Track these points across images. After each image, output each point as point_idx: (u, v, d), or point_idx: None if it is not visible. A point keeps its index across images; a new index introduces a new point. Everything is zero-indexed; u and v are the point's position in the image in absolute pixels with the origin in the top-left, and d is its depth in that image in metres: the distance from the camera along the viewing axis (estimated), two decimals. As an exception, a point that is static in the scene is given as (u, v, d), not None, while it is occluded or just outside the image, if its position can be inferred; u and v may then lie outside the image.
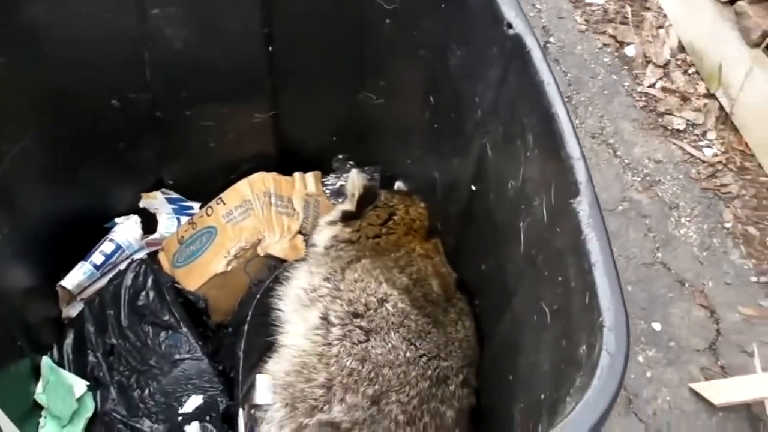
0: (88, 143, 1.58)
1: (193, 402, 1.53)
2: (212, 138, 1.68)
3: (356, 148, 1.83)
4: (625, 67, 2.73)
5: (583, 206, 1.01)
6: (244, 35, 1.51)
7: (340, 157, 1.86)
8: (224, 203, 1.71)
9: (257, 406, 1.51)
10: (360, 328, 1.44)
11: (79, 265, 1.71)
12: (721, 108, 2.56)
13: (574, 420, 0.84)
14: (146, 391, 1.54)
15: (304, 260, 1.65)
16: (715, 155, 2.46)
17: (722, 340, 2.04)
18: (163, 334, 1.58)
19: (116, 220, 1.78)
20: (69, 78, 1.45)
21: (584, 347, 0.95)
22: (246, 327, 1.55)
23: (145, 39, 1.43)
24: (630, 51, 2.79)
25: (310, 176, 1.80)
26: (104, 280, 1.74)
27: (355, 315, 1.46)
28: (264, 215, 1.69)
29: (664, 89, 2.66)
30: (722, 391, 1.91)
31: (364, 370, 1.40)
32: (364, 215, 1.66)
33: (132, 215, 1.78)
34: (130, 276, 1.64)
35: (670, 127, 2.55)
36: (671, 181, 2.40)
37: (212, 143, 1.69)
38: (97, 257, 1.73)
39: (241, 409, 1.49)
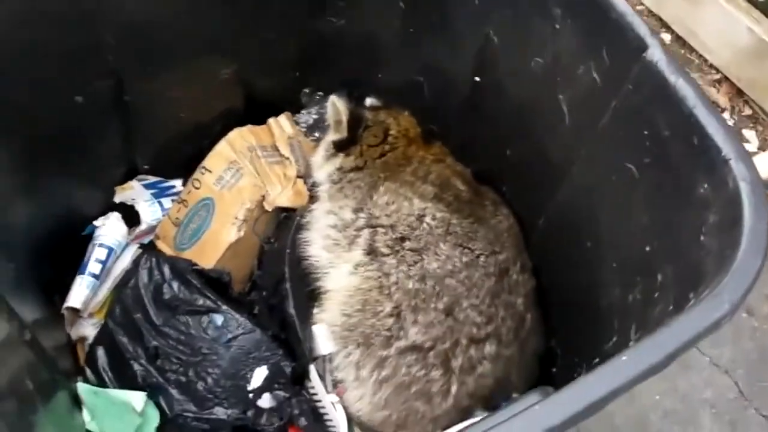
0: (54, 150, 1.44)
1: (259, 375, 1.49)
2: (181, 107, 1.57)
3: (320, 77, 1.76)
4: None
5: (658, 56, 1.02)
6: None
7: (306, 90, 1.78)
8: (210, 171, 1.62)
9: (324, 357, 1.50)
10: (412, 250, 1.44)
11: (78, 280, 1.59)
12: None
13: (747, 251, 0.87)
14: (209, 380, 1.49)
15: (316, 201, 1.62)
16: None
17: None
18: (204, 318, 1.51)
19: (95, 223, 1.65)
20: (24, 87, 1.32)
21: (705, 186, 0.98)
22: (288, 285, 1.51)
23: (103, 19, 1.30)
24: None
25: (283, 119, 1.73)
26: (105, 289, 1.65)
27: (402, 239, 1.45)
28: (257, 170, 1.62)
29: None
30: None
31: (427, 287, 1.41)
32: (360, 138, 1.62)
33: (110, 213, 1.66)
34: (144, 273, 1.54)
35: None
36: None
37: (182, 113, 1.58)
38: (94, 267, 1.61)
39: (312, 366, 1.47)
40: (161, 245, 1.68)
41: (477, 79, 1.42)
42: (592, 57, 1.13)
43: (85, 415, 1.48)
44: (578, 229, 1.32)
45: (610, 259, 1.24)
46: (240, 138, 1.64)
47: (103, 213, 1.66)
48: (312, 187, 1.67)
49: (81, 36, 1.31)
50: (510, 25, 1.29)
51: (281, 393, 1.50)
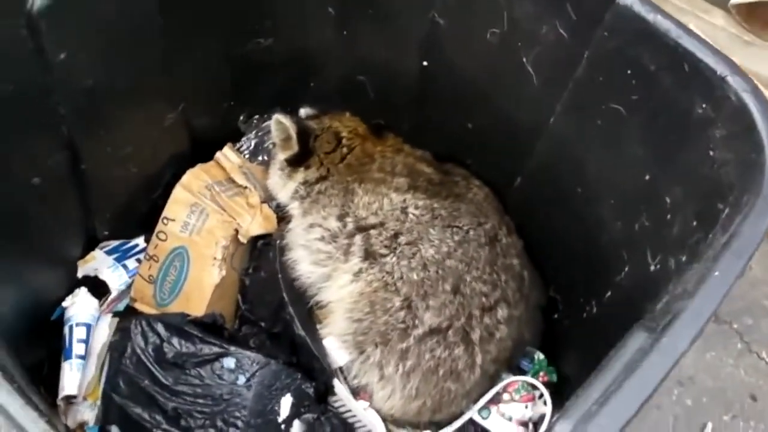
0: (11, 237, 1.36)
1: (285, 404, 1.48)
2: (132, 163, 1.51)
3: (254, 101, 1.74)
4: None
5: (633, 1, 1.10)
6: (146, 42, 1.37)
7: (242, 118, 1.76)
8: (173, 219, 1.58)
9: (342, 369, 1.52)
10: (408, 244, 1.47)
11: (67, 366, 1.51)
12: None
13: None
14: (239, 424, 1.46)
15: (289, 221, 1.61)
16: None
17: None
18: (216, 365, 1.48)
19: (64, 304, 1.57)
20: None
21: (703, 106, 1.08)
22: (290, 308, 1.50)
23: (54, 91, 1.24)
24: None
25: (227, 150, 1.69)
26: (91, 367, 1.58)
27: (396, 235, 1.48)
28: (221, 206, 1.59)
29: None
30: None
31: (431, 273, 1.45)
32: (314, 149, 1.62)
33: (77, 290, 1.58)
34: (138, 338, 1.48)
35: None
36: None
37: (133, 168, 1.52)
38: (78, 348, 1.53)
39: (336, 380, 1.48)
40: (141, 307, 1.62)
41: (425, 63, 1.46)
42: (555, 15, 1.19)
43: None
44: (564, 180, 1.40)
45: (605, 198, 1.32)
46: (194, 179, 1.60)
47: (70, 291, 1.58)
48: (278, 210, 1.66)
49: (37, 111, 1.25)
50: (456, 3, 1.33)
51: (310, 415, 1.49)
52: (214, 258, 1.56)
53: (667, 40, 1.08)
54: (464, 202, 1.54)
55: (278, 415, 1.48)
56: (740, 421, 2.08)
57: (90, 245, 1.60)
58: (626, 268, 1.31)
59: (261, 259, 1.64)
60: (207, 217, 1.58)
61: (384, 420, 1.49)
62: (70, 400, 1.54)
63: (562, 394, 1.49)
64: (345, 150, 1.61)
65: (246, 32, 1.57)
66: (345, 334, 1.49)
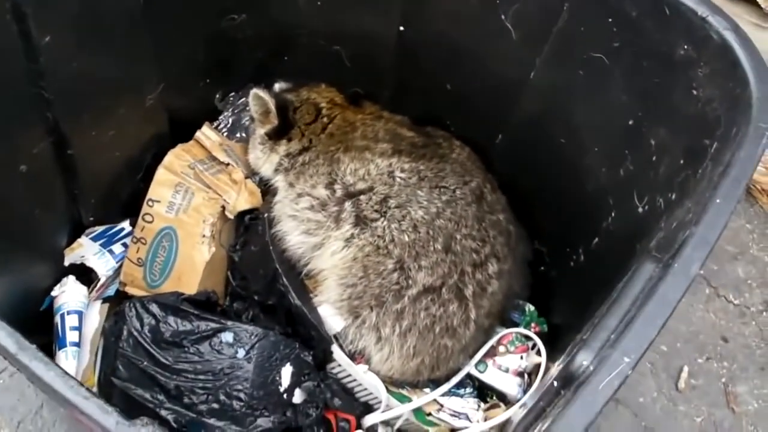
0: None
1: (286, 374, 1.49)
2: (116, 146, 1.51)
3: (230, 78, 1.74)
4: None
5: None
6: (127, 23, 1.36)
7: (218, 96, 1.76)
8: (158, 201, 1.57)
9: (337, 334, 1.54)
10: (397, 207, 1.49)
11: (62, 355, 1.50)
12: None
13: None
14: (242, 396, 1.47)
15: (274, 194, 1.62)
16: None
17: None
18: (214, 341, 1.48)
19: (53, 294, 1.56)
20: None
21: (685, 47, 1.12)
22: (284, 280, 1.51)
23: (40, 75, 1.23)
24: None
25: (206, 129, 1.69)
26: (86, 353, 1.57)
27: (386, 199, 1.50)
28: (206, 184, 1.59)
29: None
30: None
31: (421, 234, 1.48)
32: (294, 121, 1.64)
33: (65, 279, 1.57)
34: (134, 321, 1.48)
35: None
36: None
37: (117, 152, 1.52)
38: (72, 336, 1.52)
39: (334, 346, 1.50)
40: (132, 290, 1.62)
41: (402, 28, 1.48)
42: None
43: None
44: (548, 132, 1.43)
45: (590, 147, 1.36)
46: (176, 159, 1.60)
47: (57, 281, 1.57)
48: (261, 184, 1.67)
49: (24, 97, 1.24)
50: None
51: (310, 383, 1.51)
52: (203, 236, 1.56)
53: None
54: (449, 163, 1.56)
55: (280, 385, 1.49)
56: (714, 362, 2.16)
57: (76, 233, 1.59)
58: (613, 213, 1.35)
59: (249, 234, 1.65)
60: (193, 196, 1.58)
61: (383, 382, 1.52)
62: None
63: (553, 343, 1.53)
64: (326, 120, 1.63)
65: (220, 9, 1.57)
66: (339, 301, 1.51)
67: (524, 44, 1.35)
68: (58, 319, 1.55)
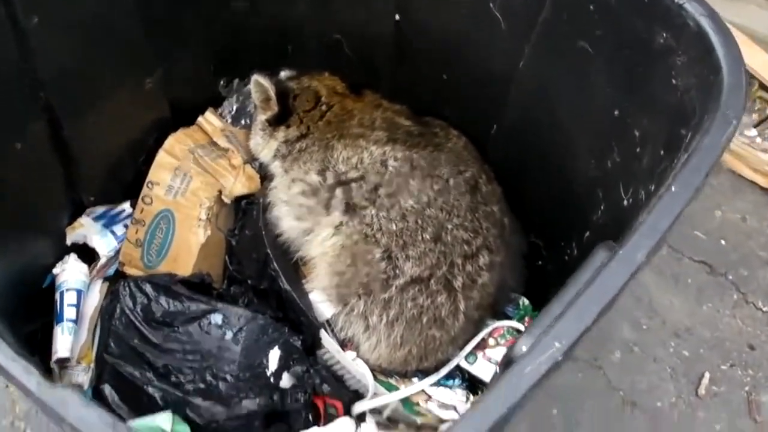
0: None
1: (273, 357, 1.50)
2: (115, 129, 1.54)
3: (234, 65, 1.75)
4: None
5: None
6: (118, 6, 1.39)
7: (222, 82, 1.78)
8: (157, 183, 1.60)
9: (329, 321, 1.54)
10: (387, 196, 1.48)
11: (58, 330, 1.54)
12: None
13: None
14: (228, 378, 1.49)
15: (272, 180, 1.64)
16: None
17: None
18: (204, 322, 1.51)
19: (54, 271, 1.60)
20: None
21: (664, 35, 1.09)
22: (274, 264, 1.53)
23: (30, 57, 1.26)
24: None
25: (209, 115, 1.72)
26: (84, 331, 1.61)
27: (376, 187, 1.49)
28: (205, 168, 1.62)
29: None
30: None
31: (410, 223, 1.46)
32: (293, 108, 1.64)
33: (66, 257, 1.61)
34: (127, 299, 1.51)
35: None
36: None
37: (116, 134, 1.55)
38: (69, 312, 1.56)
39: (322, 332, 1.50)
40: (129, 270, 1.65)
41: (397, 17, 1.48)
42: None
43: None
44: (538, 123, 1.41)
45: (578, 137, 1.33)
46: (177, 143, 1.62)
47: (59, 259, 1.61)
48: (260, 170, 1.69)
49: (13, 78, 1.27)
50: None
51: (298, 368, 1.52)
52: (199, 219, 1.58)
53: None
54: (443, 152, 1.55)
55: (267, 368, 1.50)
56: (738, 370, 2.08)
57: (77, 212, 1.63)
58: (602, 206, 1.32)
59: (246, 218, 1.66)
60: (191, 180, 1.60)
61: (372, 370, 1.51)
62: (63, 363, 1.57)
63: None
64: (324, 108, 1.63)
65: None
66: (329, 287, 1.51)
67: (513, 33, 1.33)
68: (57, 296, 1.59)
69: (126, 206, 1.70)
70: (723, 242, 2.29)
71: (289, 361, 1.51)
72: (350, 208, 1.49)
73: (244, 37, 1.70)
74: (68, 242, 1.63)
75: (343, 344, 1.53)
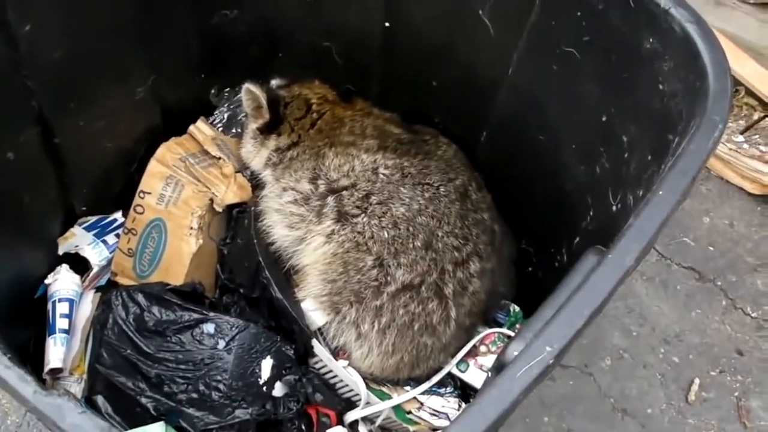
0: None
1: (266, 366, 1.51)
2: (107, 137, 1.55)
3: (224, 74, 1.76)
4: None
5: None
6: (109, 11, 1.39)
7: (213, 91, 1.79)
8: (149, 192, 1.60)
9: (320, 329, 1.54)
10: (378, 204, 1.49)
11: (51, 341, 1.54)
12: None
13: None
14: (221, 387, 1.49)
15: (263, 188, 1.64)
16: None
17: None
18: (196, 331, 1.51)
19: (46, 282, 1.60)
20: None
21: (651, 40, 1.10)
22: (266, 273, 1.53)
23: (21, 64, 1.27)
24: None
25: (200, 123, 1.72)
26: (76, 341, 1.60)
27: (368, 196, 1.50)
28: (196, 177, 1.62)
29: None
30: None
31: (401, 231, 1.47)
32: (284, 116, 1.65)
33: (58, 267, 1.61)
34: (119, 309, 1.51)
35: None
36: None
37: (108, 143, 1.56)
38: (61, 323, 1.56)
39: (314, 341, 1.51)
40: (122, 280, 1.65)
41: (387, 24, 1.49)
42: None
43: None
44: (527, 129, 1.42)
45: (567, 143, 1.34)
46: (168, 152, 1.63)
47: (52, 269, 1.60)
48: (252, 178, 1.69)
49: (5, 85, 1.27)
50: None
51: (291, 377, 1.52)
52: (191, 228, 1.59)
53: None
54: (434, 160, 1.56)
55: (259, 377, 1.50)
56: (727, 375, 2.10)
57: (69, 221, 1.63)
58: (591, 212, 1.33)
59: (237, 227, 1.67)
60: (182, 189, 1.60)
61: (364, 379, 1.51)
62: (56, 374, 1.57)
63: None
64: (315, 116, 1.64)
65: (212, 4, 1.59)
66: (321, 296, 1.51)
67: (501, 39, 1.35)
68: (50, 306, 1.58)
69: (118, 216, 1.70)
70: (711, 248, 2.31)
71: (281, 370, 1.51)
72: (342, 216, 1.50)
73: (234, 46, 1.70)
74: (60, 252, 1.63)
75: (336, 353, 1.54)
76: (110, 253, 1.66)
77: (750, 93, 2.51)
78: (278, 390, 1.51)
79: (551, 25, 1.25)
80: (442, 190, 1.52)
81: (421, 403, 1.54)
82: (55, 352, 1.55)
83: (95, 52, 1.39)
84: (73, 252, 1.65)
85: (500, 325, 1.59)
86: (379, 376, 1.53)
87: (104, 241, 1.66)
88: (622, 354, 2.08)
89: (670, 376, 2.08)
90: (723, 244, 2.32)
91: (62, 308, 1.58)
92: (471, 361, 1.54)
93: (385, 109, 1.67)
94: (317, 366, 1.54)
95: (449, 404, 1.53)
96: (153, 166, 1.62)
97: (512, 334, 1.54)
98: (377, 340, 1.48)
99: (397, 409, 1.53)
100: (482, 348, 1.55)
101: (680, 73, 1.07)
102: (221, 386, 1.50)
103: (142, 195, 1.62)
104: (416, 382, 1.54)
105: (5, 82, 1.28)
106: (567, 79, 1.28)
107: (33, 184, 1.47)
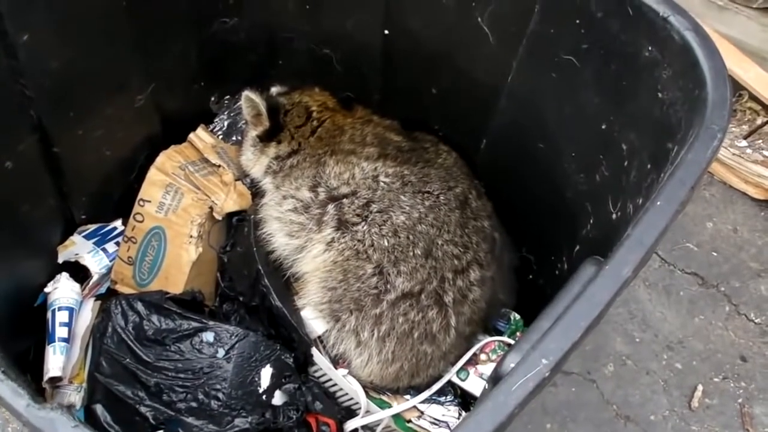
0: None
1: (265, 375, 1.50)
2: (106, 146, 1.54)
3: (224, 81, 1.77)
4: None
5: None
6: (108, 24, 1.39)
7: (213, 98, 1.79)
8: (149, 201, 1.60)
9: (320, 337, 1.53)
10: (379, 212, 1.49)
11: (50, 349, 1.54)
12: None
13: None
14: (220, 396, 1.48)
15: (263, 197, 1.64)
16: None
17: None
18: (195, 340, 1.50)
19: (46, 290, 1.60)
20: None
21: (650, 48, 1.10)
22: (266, 281, 1.52)
23: (20, 73, 1.27)
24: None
25: (200, 131, 1.72)
26: (76, 350, 1.60)
27: (368, 204, 1.50)
28: (196, 185, 1.61)
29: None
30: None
31: (401, 239, 1.47)
32: (284, 123, 1.65)
33: (58, 276, 1.61)
34: (118, 318, 1.51)
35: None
36: None
37: (107, 151, 1.56)
38: (61, 332, 1.55)
39: (314, 350, 1.50)
40: (121, 288, 1.64)
41: (386, 32, 1.49)
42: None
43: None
44: (527, 137, 1.42)
45: (567, 151, 1.34)
46: (168, 160, 1.62)
47: (52, 278, 1.60)
48: (252, 186, 1.69)
49: (3, 94, 1.27)
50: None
51: (291, 385, 1.52)
52: (190, 236, 1.58)
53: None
54: (434, 168, 1.56)
55: (259, 386, 1.50)
56: (731, 382, 2.09)
57: (68, 230, 1.63)
58: (591, 220, 1.33)
59: (237, 235, 1.66)
60: (182, 197, 1.60)
61: (364, 387, 1.51)
62: (55, 383, 1.56)
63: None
64: (315, 123, 1.64)
65: (211, 12, 1.59)
66: (320, 304, 1.51)
67: (501, 47, 1.34)
68: (49, 314, 1.58)
69: (117, 224, 1.70)
70: (715, 254, 2.30)
71: (281, 378, 1.51)
72: (342, 224, 1.50)
73: (234, 53, 1.70)
74: (60, 260, 1.63)
75: (335, 361, 1.53)
76: (110, 261, 1.66)
77: (753, 97, 2.50)
78: (278, 399, 1.51)
79: (550, 33, 1.24)
80: (442, 198, 1.52)
81: (421, 412, 1.53)
82: (55, 361, 1.55)
83: (94, 60, 1.39)
84: (72, 260, 1.64)
85: (501, 333, 1.58)
86: (378, 384, 1.53)
87: (104, 249, 1.66)
88: (625, 360, 2.07)
89: (673, 382, 2.07)
90: (726, 250, 2.31)
91: (62, 317, 1.58)
92: (471, 370, 1.54)
93: (385, 117, 1.67)
94: (317, 374, 1.54)
95: (449, 413, 1.53)
96: (153, 174, 1.62)
97: (513, 342, 1.54)
98: (377, 348, 1.48)
99: (397, 417, 1.53)
100: (482, 356, 1.54)
101: (679, 81, 1.06)
102: (221, 395, 1.50)
103: (141, 203, 1.61)
104: (416, 390, 1.54)
105: (4, 91, 1.28)
106: (566, 87, 1.28)
107: (32, 192, 1.46)
